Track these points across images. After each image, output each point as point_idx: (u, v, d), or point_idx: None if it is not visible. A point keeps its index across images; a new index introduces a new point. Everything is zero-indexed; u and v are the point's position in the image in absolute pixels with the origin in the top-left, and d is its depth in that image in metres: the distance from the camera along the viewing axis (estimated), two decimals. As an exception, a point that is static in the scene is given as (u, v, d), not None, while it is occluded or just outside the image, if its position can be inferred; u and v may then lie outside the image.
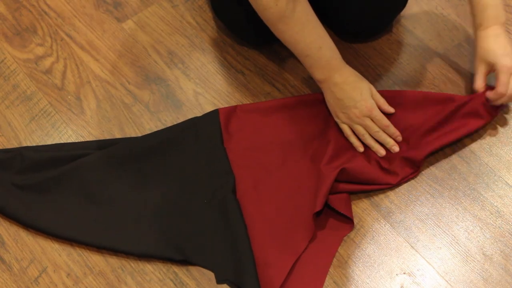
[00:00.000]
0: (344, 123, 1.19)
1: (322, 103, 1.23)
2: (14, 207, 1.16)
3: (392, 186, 1.17)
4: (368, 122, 1.17)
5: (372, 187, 1.17)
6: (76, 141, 1.27)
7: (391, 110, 1.20)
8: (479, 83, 1.20)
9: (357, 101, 1.16)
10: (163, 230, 1.13)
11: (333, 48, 1.16)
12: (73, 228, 1.15)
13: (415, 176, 1.18)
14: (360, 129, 1.18)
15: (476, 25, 1.19)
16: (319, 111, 1.23)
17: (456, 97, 1.21)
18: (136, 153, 1.20)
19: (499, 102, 1.17)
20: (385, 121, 1.18)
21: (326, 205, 1.14)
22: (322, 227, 1.14)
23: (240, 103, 1.28)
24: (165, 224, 1.14)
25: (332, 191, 1.14)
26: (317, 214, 1.13)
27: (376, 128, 1.18)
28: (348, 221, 1.14)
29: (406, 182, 1.18)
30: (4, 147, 1.27)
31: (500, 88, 1.15)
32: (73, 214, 1.16)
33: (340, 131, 1.21)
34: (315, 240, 1.12)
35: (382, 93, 1.21)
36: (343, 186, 1.15)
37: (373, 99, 1.18)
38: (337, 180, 1.14)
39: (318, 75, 1.17)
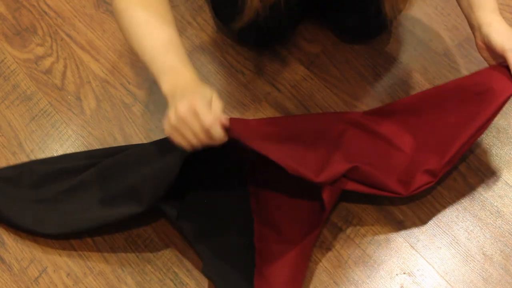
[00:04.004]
0: (176, 138, 0.96)
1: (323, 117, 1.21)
2: (28, 222, 1.16)
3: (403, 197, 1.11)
4: (194, 124, 0.93)
5: (381, 193, 1.10)
6: (76, 141, 1.27)
7: (223, 120, 0.95)
8: None
9: (185, 96, 0.94)
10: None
11: (182, 54, 1.02)
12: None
13: (431, 186, 1.10)
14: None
15: (478, 24, 1.12)
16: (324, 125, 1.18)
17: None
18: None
19: None
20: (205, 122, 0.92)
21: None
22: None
23: (240, 103, 1.28)
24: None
25: (337, 185, 1.08)
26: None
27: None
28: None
29: (419, 191, 1.10)
30: (4, 147, 1.27)
31: None
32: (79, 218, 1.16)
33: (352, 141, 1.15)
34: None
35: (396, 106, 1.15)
36: (350, 184, 1.09)
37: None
38: (345, 176, 1.08)
39: (163, 84, 0.99)
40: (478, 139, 1.22)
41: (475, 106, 1.07)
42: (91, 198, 1.15)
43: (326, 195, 1.05)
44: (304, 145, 1.12)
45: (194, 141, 0.94)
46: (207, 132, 0.92)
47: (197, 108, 0.91)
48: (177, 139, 0.95)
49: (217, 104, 0.94)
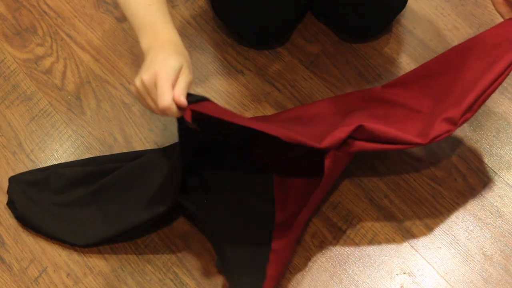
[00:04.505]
0: (139, 100, 0.97)
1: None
2: (53, 226, 1.16)
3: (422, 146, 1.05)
4: (154, 95, 0.93)
5: (395, 147, 1.00)
6: (76, 141, 1.27)
7: (181, 101, 0.93)
8: None
9: (153, 63, 0.94)
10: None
11: (164, 11, 1.00)
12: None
13: (450, 134, 1.01)
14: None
15: None
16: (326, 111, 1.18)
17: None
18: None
19: None
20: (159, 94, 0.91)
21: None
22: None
23: (240, 103, 1.28)
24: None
25: (344, 149, 1.01)
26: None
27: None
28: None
29: (440, 139, 1.01)
30: (4, 147, 1.27)
31: None
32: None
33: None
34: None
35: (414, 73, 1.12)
36: (358, 144, 1.01)
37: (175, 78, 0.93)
38: (352, 137, 1.00)
39: (142, 40, 0.99)
40: (478, 138, 1.22)
41: (492, 57, 1.02)
42: (117, 201, 1.15)
43: (328, 160, 0.99)
44: (302, 123, 1.10)
45: (152, 109, 0.94)
46: (161, 110, 0.92)
47: (158, 84, 0.91)
48: (141, 103, 0.97)
49: (181, 81, 0.93)
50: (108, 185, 1.16)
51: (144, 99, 0.94)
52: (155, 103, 0.92)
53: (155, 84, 0.91)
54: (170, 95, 0.91)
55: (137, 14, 0.98)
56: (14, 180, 1.21)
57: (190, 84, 0.94)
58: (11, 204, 1.19)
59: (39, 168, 1.23)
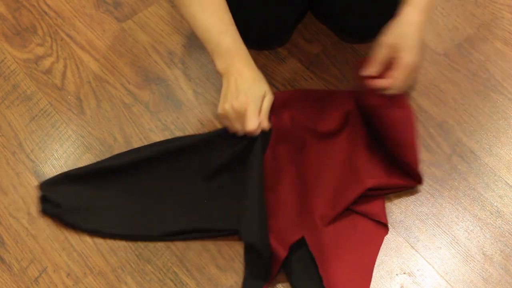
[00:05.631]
0: (223, 121, 1.14)
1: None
2: (96, 222, 1.17)
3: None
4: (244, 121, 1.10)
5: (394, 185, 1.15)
6: (76, 141, 1.27)
7: (264, 125, 1.11)
8: (373, 69, 1.11)
9: (241, 92, 1.09)
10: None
11: (236, 37, 1.11)
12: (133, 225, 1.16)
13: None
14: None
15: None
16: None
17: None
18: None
19: (382, 90, 1.10)
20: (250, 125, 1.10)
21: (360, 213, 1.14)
22: (361, 232, 1.13)
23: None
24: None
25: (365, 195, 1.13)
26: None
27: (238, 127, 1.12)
28: (382, 225, 1.14)
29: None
30: (4, 147, 1.27)
31: (391, 81, 1.08)
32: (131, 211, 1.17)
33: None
34: (357, 245, 1.12)
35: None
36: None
37: (261, 104, 1.11)
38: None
39: (218, 65, 1.10)
40: (478, 138, 1.22)
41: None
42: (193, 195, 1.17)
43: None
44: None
45: (237, 131, 1.12)
46: (248, 132, 1.10)
47: (248, 111, 1.08)
48: (224, 123, 1.14)
49: (265, 106, 1.11)
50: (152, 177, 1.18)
51: (231, 122, 1.11)
52: (242, 126, 1.10)
53: (242, 114, 1.08)
54: (257, 121, 1.09)
55: (211, 40, 1.09)
56: (49, 184, 1.20)
57: (272, 102, 1.12)
58: (48, 208, 1.19)
59: (82, 167, 1.22)
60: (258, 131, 1.10)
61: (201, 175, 1.17)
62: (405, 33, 1.08)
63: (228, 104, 1.09)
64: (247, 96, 1.08)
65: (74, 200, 1.17)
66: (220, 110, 1.11)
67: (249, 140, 1.12)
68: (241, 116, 1.09)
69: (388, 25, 1.10)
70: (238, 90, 1.08)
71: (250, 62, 1.12)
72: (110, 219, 1.16)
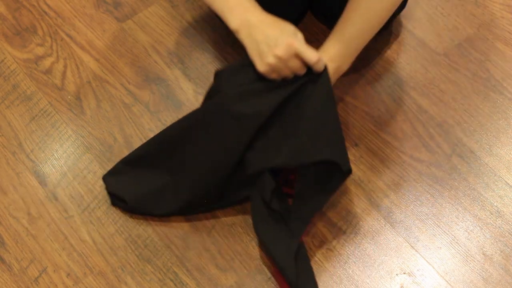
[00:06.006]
0: (271, 75, 1.03)
1: None
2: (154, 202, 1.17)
3: None
4: (294, 64, 1.01)
5: None
6: (76, 141, 1.27)
7: (313, 57, 1.00)
8: None
9: (278, 37, 0.99)
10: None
11: None
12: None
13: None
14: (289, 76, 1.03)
15: None
16: None
17: None
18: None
19: None
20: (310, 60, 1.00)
21: None
22: None
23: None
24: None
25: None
26: None
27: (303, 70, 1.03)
28: None
29: None
30: (4, 147, 1.27)
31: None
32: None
33: None
34: None
35: None
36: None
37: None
38: None
39: (231, 21, 1.02)
40: (478, 139, 1.22)
41: None
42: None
43: None
44: None
45: (291, 76, 1.02)
46: (314, 65, 1.00)
47: (299, 49, 0.99)
48: (273, 76, 1.03)
49: (303, 39, 1.01)
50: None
51: (280, 72, 1.01)
52: (295, 69, 1.01)
53: (292, 53, 0.99)
54: (313, 51, 1.00)
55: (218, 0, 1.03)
56: (111, 175, 1.21)
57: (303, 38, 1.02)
58: (116, 201, 1.19)
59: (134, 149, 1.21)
60: (323, 61, 1.01)
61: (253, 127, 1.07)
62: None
63: (270, 57, 0.99)
64: (284, 38, 0.99)
65: (136, 190, 1.17)
66: (263, 67, 1.01)
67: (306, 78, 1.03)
68: (290, 60, 0.99)
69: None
70: (271, 37, 0.99)
71: (264, 12, 1.03)
72: (174, 197, 1.15)
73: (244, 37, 1.02)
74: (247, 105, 1.05)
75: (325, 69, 1.03)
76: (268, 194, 1.06)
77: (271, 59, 0.99)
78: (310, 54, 0.99)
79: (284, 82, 1.04)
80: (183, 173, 1.15)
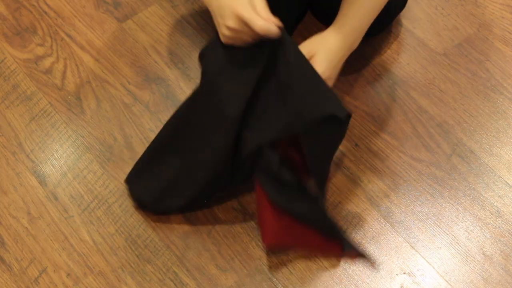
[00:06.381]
0: (236, 44, 0.99)
1: None
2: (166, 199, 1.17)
3: None
4: (251, 32, 0.95)
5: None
6: (76, 141, 1.27)
7: (259, 26, 0.93)
8: None
9: (226, 7, 0.95)
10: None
11: None
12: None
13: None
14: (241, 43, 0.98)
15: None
16: None
17: None
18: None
19: None
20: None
21: None
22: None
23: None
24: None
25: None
26: None
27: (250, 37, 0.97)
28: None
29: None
30: (4, 147, 1.27)
31: None
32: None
33: None
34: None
35: None
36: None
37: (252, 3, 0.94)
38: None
39: None
40: (478, 139, 1.22)
41: None
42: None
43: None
44: None
45: (254, 41, 0.96)
46: (264, 33, 0.93)
47: (244, 17, 0.93)
48: (238, 44, 0.98)
49: (259, 4, 0.94)
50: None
51: (240, 39, 0.97)
52: (251, 34, 0.94)
53: (243, 23, 0.93)
54: (259, 19, 0.92)
55: None
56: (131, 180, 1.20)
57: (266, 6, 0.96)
58: (140, 206, 1.19)
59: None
60: (273, 28, 0.94)
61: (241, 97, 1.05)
62: (319, 48, 1.06)
63: (223, 29, 0.96)
64: (232, 7, 0.93)
65: (155, 190, 1.16)
66: (224, 39, 0.98)
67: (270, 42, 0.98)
68: (243, 28, 0.94)
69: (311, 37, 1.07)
70: (222, 8, 0.95)
71: None
72: (188, 186, 1.15)
73: (211, 10, 0.99)
74: (227, 92, 1.04)
75: (283, 30, 0.96)
76: (276, 164, 1.04)
77: (224, 31, 0.96)
78: (257, 23, 0.92)
79: (254, 49, 0.99)
80: (190, 161, 1.14)
